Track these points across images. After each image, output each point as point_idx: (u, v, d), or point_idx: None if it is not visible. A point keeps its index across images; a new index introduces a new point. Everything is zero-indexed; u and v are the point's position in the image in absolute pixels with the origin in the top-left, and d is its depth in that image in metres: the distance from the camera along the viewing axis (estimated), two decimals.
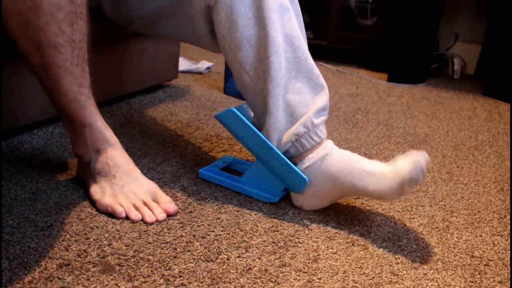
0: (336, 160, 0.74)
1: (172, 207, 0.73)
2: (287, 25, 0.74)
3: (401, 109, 1.47)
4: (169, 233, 0.69)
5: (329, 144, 0.76)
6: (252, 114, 0.84)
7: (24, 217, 0.68)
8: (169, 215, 0.73)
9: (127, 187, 0.73)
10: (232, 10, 0.73)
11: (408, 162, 0.69)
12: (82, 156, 0.77)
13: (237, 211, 0.77)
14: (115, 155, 0.75)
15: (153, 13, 0.87)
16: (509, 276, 0.67)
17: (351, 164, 0.73)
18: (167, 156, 0.95)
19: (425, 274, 0.65)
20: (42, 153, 0.90)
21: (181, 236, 0.68)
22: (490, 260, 0.70)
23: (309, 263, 0.65)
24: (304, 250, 0.68)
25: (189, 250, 0.65)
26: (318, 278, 0.62)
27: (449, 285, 0.63)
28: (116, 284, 0.57)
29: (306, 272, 0.63)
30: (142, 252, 0.64)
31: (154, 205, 0.73)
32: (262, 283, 0.60)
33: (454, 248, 0.73)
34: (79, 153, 0.77)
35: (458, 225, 0.80)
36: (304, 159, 0.76)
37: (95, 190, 0.74)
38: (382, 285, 0.62)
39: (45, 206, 0.72)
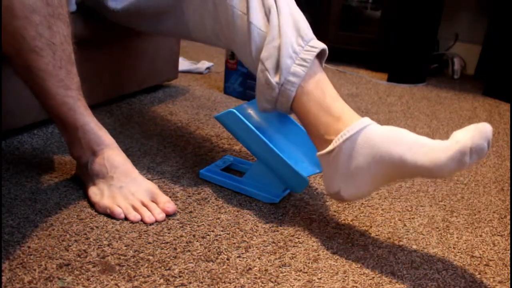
0: (380, 131, 0.64)
1: (170, 207, 0.73)
2: None
3: (401, 109, 1.47)
4: (169, 233, 0.69)
5: (367, 119, 0.67)
6: (251, 113, 0.84)
7: (24, 217, 0.68)
8: (168, 215, 0.73)
9: (126, 188, 0.73)
10: None
11: (470, 130, 0.57)
12: (79, 158, 0.77)
13: (237, 211, 0.77)
14: (112, 156, 0.75)
15: (158, 7, 0.87)
16: (509, 276, 0.67)
17: (398, 134, 0.63)
18: (167, 156, 0.95)
19: (425, 274, 0.65)
20: (42, 153, 0.90)
21: (181, 236, 0.68)
22: (490, 260, 0.70)
23: (309, 263, 0.65)
24: (304, 250, 0.68)
25: (189, 250, 0.65)
26: (318, 278, 0.62)
27: (449, 285, 0.63)
28: (116, 284, 0.57)
29: (306, 272, 0.63)
30: (142, 252, 0.64)
31: (153, 205, 0.73)
32: (262, 283, 0.60)
33: (454, 248, 0.73)
34: (76, 155, 0.77)
35: (458, 225, 0.80)
36: (340, 133, 0.66)
37: (94, 192, 0.74)
38: (382, 285, 0.62)
39: (45, 206, 0.72)
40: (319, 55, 0.73)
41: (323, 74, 0.72)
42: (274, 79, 0.70)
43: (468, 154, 0.56)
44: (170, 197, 0.77)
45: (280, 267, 0.64)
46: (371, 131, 0.64)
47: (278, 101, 0.72)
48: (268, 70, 0.70)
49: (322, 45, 0.72)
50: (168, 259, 0.63)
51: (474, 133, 0.56)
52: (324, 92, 0.70)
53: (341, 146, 0.66)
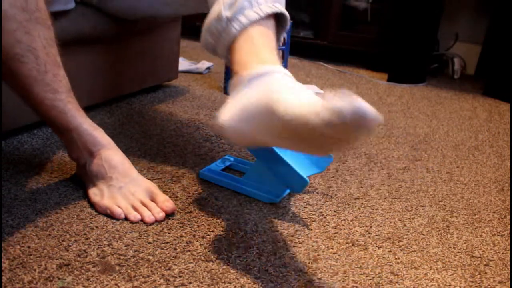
0: (282, 78, 0.62)
1: (169, 205, 0.73)
2: None
3: (401, 109, 1.47)
4: (169, 233, 0.69)
5: (281, 68, 0.64)
6: None
7: (24, 217, 0.68)
8: (168, 215, 0.73)
9: (125, 188, 0.73)
10: None
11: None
12: (77, 159, 0.77)
13: (237, 211, 0.77)
14: (110, 156, 0.75)
15: None
16: (509, 276, 0.67)
17: (292, 85, 0.60)
18: (167, 156, 0.95)
19: (425, 274, 0.65)
20: (42, 153, 0.90)
21: (181, 236, 0.68)
22: (490, 260, 0.70)
23: (309, 263, 0.65)
24: (304, 250, 0.68)
25: (189, 250, 0.65)
26: (318, 278, 0.62)
27: (449, 285, 0.63)
28: (116, 284, 0.57)
29: (306, 272, 0.63)
30: (142, 252, 0.64)
31: (153, 205, 0.73)
32: (262, 283, 0.60)
33: (454, 248, 0.73)
34: (74, 157, 0.77)
35: (458, 225, 0.80)
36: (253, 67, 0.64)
37: (94, 193, 0.74)
38: (382, 285, 0.62)
39: (45, 206, 0.72)
40: (279, 22, 0.72)
41: (273, 35, 0.70)
42: (225, 13, 0.69)
43: (338, 112, 0.47)
44: (170, 197, 0.77)
45: (280, 267, 0.64)
46: (277, 77, 0.62)
47: (221, 37, 0.70)
48: (224, 3, 0.69)
49: (284, 11, 0.71)
50: (168, 259, 0.63)
51: (344, 97, 0.48)
52: (264, 42, 0.68)
53: (245, 77, 0.64)
